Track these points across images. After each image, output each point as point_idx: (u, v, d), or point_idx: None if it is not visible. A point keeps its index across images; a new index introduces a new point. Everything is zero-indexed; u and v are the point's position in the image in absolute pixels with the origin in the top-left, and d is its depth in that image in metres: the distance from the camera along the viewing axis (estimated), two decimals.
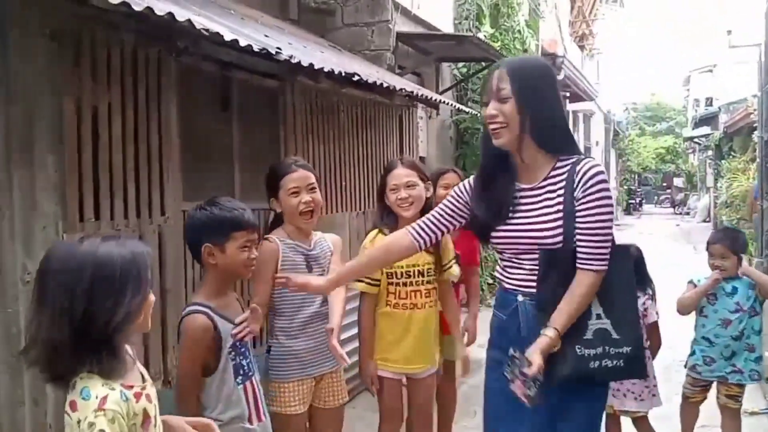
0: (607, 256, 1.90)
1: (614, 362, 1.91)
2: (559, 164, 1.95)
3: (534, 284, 1.97)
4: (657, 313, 3.20)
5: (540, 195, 1.96)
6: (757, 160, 9.97)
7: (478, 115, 8.19)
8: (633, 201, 27.76)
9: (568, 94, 14.01)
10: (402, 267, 2.68)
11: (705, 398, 3.31)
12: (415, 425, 2.97)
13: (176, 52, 2.96)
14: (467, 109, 7.15)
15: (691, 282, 3.29)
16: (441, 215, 2.13)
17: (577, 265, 1.90)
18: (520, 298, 2.02)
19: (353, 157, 4.63)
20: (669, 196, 30.52)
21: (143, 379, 1.49)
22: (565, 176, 1.92)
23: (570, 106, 15.25)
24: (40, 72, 2.34)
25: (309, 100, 4.01)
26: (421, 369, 2.82)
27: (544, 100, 1.92)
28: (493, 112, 1.91)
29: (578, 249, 1.89)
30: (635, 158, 29.65)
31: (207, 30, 2.48)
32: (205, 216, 2.09)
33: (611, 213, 1.92)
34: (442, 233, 2.15)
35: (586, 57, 18.51)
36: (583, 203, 1.88)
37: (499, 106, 1.90)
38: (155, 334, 2.87)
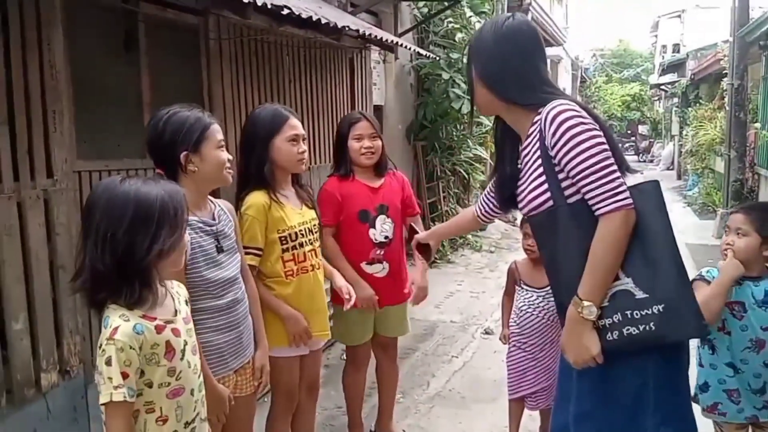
0: (621, 189, 1.62)
1: (642, 327, 1.59)
2: (536, 117, 1.77)
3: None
4: None
5: (525, 155, 1.82)
6: (726, 107, 9.73)
7: (440, 59, 7.71)
8: None
9: None
10: (294, 227, 2.43)
11: None
12: (306, 401, 2.69)
13: None
14: (428, 54, 6.64)
15: (701, 278, 2.30)
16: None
17: (596, 214, 1.64)
18: None
19: (295, 106, 4.15)
20: (633, 143, 30.44)
21: (175, 314, 1.59)
22: (537, 128, 1.75)
23: None
24: None
25: (238, 40, 3.50)
26: (324, 335, 2.61)
27: (496, 57, 1.80)
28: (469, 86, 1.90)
29: (586, 199, 1.65)
30: (601, 105, 29.38)
31: None
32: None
33: (597, 144, 1.64)
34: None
35: (555, 1, 17.93)
36: (558, 150, 1.67)
37: (469, 79, 1.89)
38: (46, 316, 2.45)
